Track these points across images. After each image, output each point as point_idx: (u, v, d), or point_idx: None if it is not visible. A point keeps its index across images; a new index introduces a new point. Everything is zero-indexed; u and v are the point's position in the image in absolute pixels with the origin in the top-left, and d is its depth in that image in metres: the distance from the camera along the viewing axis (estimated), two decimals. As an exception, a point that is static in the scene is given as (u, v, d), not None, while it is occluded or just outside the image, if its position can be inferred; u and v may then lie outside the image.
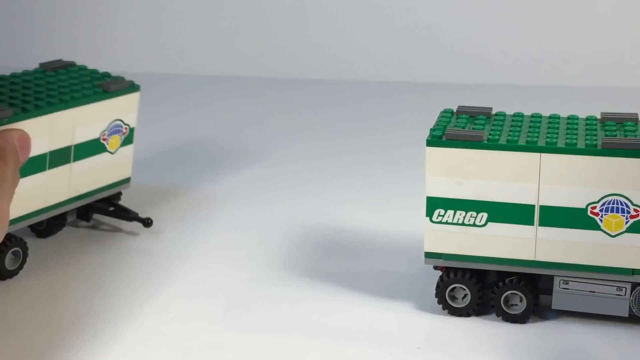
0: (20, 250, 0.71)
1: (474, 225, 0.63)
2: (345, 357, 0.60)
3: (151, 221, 0.78)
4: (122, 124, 0.79)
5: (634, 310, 0.64)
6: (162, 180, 0.92)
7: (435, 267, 0.66)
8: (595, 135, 0.63)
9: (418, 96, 1.23)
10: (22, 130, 0.62)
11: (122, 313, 0.65)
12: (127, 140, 0.80)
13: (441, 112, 0.67)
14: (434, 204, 0.63)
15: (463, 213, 0.63)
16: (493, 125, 0.65)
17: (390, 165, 0.97)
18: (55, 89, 0.74)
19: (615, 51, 1.31)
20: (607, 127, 0.64)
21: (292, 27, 1.35)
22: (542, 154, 0.61)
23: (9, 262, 0.70)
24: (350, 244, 0.78)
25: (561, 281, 0.64)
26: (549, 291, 0.64)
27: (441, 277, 0.65)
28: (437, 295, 0.65)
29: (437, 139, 0.62)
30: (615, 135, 0.63)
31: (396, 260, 0.74)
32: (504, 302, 0.64)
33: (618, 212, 0.61)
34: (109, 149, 0.78)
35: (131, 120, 0.80)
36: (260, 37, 1.35)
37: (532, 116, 0.67)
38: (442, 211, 0.63)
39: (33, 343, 0.61)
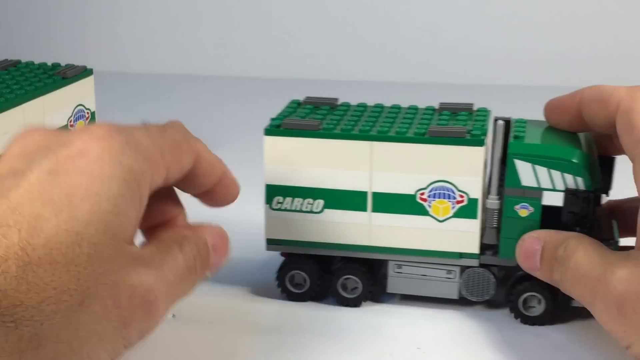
0: None
1: (311, 212, 0.65)
2: (346, 357, 0.60)
3: None
4: (84, 109, 0.80)
5: (463, 293, 0.65)
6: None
7: (282, 254, 0.67)
8: (428, 124, 0.64)
9: (418, 96, 1.23)
10: (220, 228, 0.56)
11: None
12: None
13: (288, 103, 0.69)
14: (272, 192, 0.65)
15: (301, 200, 0.65)
16: (334, 115, 0.67)
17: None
18: (16, 82, 0.75)
19: (615, 51, 1.31)
20: (441, 117, 0.66)
21: (292, 27, 1.35)
22: (373, 142, 0.63)
23: None
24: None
25: (395, 265, 0.66)
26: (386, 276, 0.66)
27: (283, 262, 0.67)
28: (277, 279, 0.67)
29: (274, 128, 0.64)
30: (447, 124, 0.64)
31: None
32: (341, 287, 0.66)
33: (445, 198, 0.63)
34: None
35: (91, 104, 0.81)
36: (260, 37, 1.35)
37: (374, 106, 0.69)
38: (280, 198, 0.65)
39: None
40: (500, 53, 1.32)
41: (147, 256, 0.49)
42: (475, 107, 0.68)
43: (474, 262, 0.64)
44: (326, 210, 0.65)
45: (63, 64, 0.82)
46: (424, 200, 0.64)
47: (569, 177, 0.61)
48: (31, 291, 0.43)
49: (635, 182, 0.56)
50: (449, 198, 0.63)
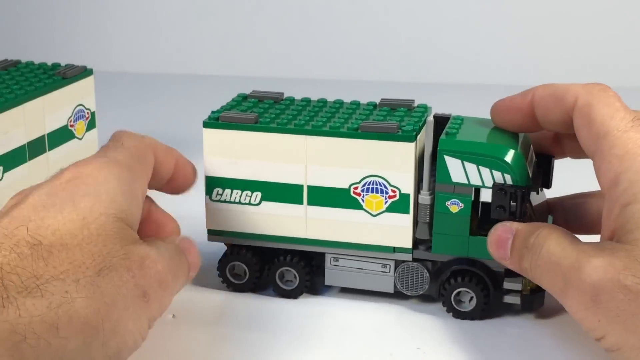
0: None
1: (250, 204, 0.65)
2: (346, 357, 0.60)
3: None
4: (84, 109, 0.80)
5: (398, 287, 0.66)
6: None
7: (226, 245, 0.68)
8: (363, 119, 0.65)
9: (418, 96, 1.23)
10: (188, 237, 0.59)
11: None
12: (91, 124, 0.81)
13: (234, 97, 0.70)
14: (212, 183, 0.66)
15: (239, 192, 0.65)
16: (275, 109, 0.67)
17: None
18: (16, 82, 0.75)
19: (615, 51, 1.31)
20: (379, 113, 0.66)
21: (292, 27, 1.35)
22: (308, 137, 0.63)
23: None
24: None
25: (332, 258, 0.66)
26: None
27: (224, 253, 0.68)
28: (218, 270, 0.68)
29: (213, 121, 0.65)
30: (383, 120, 0.64)
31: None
32: (279, 278, 0.67)
33: (378, 193, 0.63)
34: (76, 135, 0.79)
35: (91, 104, 0.81)
36: (260, 37, 1.35)
37: (317, 101, 0.69)
38: (220, 190, 0.66)
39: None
40: (500, 53, 1.32)
41: (147, 242, 0.53)
42: (415, 104, 0.69)
43: (407, 257, 0.65)
44: (264, 203, 0.65)
45: (63, 64, 0.82)
46: (358, 194, 0.64)
47: (497, 174, 0.61)
48: (49, 265, 0.47)
49: (598, 177, 0.56)
50: (382, 193, 0.64)
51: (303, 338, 0.62)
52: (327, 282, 0.67)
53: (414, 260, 0.65)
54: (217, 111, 0.67)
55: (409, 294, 0.66)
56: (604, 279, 0.51)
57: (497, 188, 0.61)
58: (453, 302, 0.65)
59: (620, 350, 0.51)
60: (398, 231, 0.64)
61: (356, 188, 0.64)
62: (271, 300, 0.67)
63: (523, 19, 1.32)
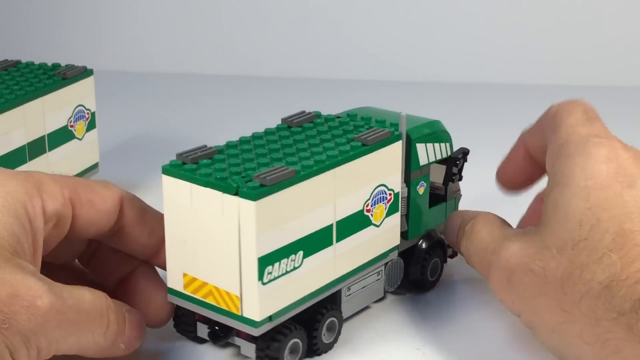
0: None
1: (294, 269, 0.57)
2: (346, 357, 0.60)
3: None
4: (84, 109, 0.80)
5: (386, 288, 0.66)
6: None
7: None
8: (349, 138, 0.62)
9: (418, 96, 1.23)
10: (140, 314, 0.56)
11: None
12: (91, 125, 0.81)
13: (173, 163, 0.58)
14: (264, 264, 0.55)
15: (286, 260, 0.56)
16: (237, 159, 0.58)
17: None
18: (16, 82, 0.75)
19: (615, 51, 1.31)
20: (345, 128, 0.63)
21: (292, 27, 1.35)
22: (336, 169, 0.58)
23: None
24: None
25: (345, 289, 0.63)
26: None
27: (263, 341, 0.57)
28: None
29: (254, 190, 0.54)
30: (363, 132, 0.62)
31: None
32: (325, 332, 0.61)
33: (381, 202, 0.63)
34: (77, 135, 0.79)
35: (91, 104, 0.81)
36: (260, 37, 1.35)
37: (265, 142, 0.61)
38: (270, 268, 0.55)
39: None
40: (500, 53, 1.32)
41: (40, 276, 0.50)
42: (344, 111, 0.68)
43: (394, 255, 0.65)
44: (305, 261, 0.57)
45: (63, 64, 0.82)
46: (368, 210, 0.62)
47: (444, 145, 0.67)
48: None
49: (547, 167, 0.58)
50: (383, 200, 0.63)
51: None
52: (344, 314, 0.63)
53: (399, 254, 0.66)
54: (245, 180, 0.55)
55: (390, 290, 0.66)
56: (518, 263, 0.55)
57: (455, 157, 0.68)
58: (430, 276, 0.68)
59: (533, 328, 0.56)
60: (393, 232, 0.65)
61: (368, 205, 0.62)
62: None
63: (522, 19, 1.32)
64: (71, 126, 0.79)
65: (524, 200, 0.68)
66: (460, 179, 0.70)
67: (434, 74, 1.30)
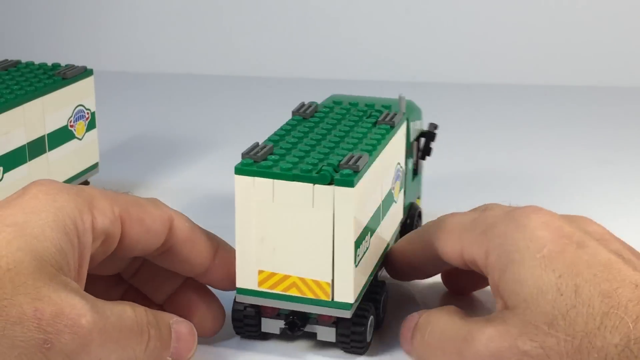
0: None
1: (364, 253, 0.59)
2: (347, 357, 0.60)
3: None
4: (84, 109, 0.80)
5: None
6: (162, 178, 0.92)
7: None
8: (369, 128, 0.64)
9: (418, 96, 1.22)
10: (189, 323, 0.55)
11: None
12: (91, 125, 0.81)
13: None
14: (358, 244, 0.57)
15: (364, 242, 0.60)
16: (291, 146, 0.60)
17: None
18: (16, 82, 0.75)
19: (615, 51, 1.31)
20: (361, 118, 0.66)
21: (292, 27, 1.35)
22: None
23: None
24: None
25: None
26: None
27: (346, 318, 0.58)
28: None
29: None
30: (374, 116, 0.65)
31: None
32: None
33: (398, 179, 0.66)
34: (77, 135, 0.79)
35: (91, 104, 0.81)
36: (260, 37, 1.35)
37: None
38: (358, 250, 0.58)
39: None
40: (500, 53, 1.32)
41: (83, 293, 0.49)
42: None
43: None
44: (372, 240, 0.60)
45: (63, 64, 0.82)
46: (394, 188, 0.65)
47: (421, 123, 0.73)
48: None
49: (473, 260, 0.56)
50: (399, 178, 0.66)
51: (304, 338, 0.62)
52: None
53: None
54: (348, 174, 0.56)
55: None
56: (502, 347, 0.50)
57: (431, 132, 0.73)
58: None
59: None
60: (401, 204, 0.68)
61: (393, 186, 0.65)
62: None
63: (522, 19, 1.32)
64: (71, 126, 0.78)
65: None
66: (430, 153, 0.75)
67: (434, 74, 1.30)
